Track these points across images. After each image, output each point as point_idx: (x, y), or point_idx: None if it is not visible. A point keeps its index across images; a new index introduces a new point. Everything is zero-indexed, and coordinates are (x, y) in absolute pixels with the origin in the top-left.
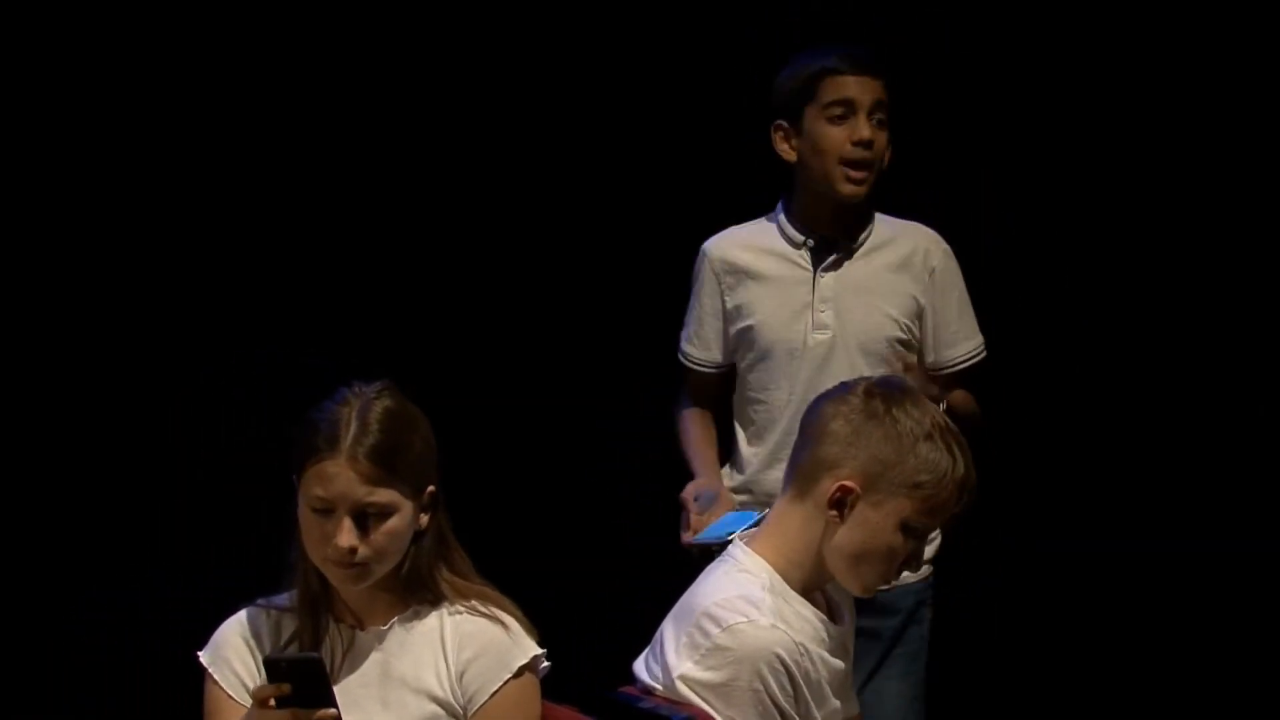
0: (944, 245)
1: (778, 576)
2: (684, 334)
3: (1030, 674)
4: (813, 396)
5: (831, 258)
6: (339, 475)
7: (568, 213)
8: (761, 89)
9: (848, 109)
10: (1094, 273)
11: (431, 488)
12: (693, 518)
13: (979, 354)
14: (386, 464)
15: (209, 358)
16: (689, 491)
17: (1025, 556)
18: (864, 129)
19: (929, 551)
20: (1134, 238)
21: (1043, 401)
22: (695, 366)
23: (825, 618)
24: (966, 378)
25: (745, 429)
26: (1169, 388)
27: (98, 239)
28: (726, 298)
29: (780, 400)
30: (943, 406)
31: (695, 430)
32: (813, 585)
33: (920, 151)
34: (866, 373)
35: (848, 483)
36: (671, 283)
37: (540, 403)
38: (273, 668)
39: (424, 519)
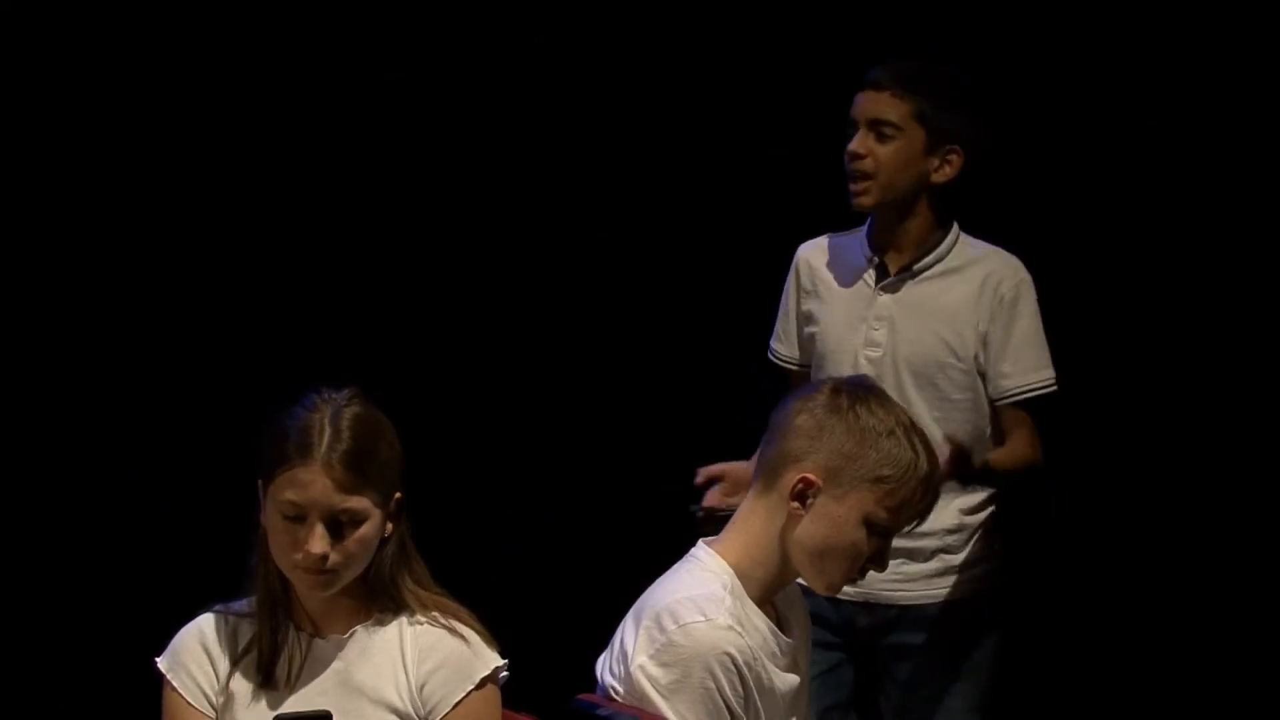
0: (1021, 275)
1: (737, 580)
2: (774, 331)
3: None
4: None
5: (892, 278)
6: (314, 482)
7: (552, 215)
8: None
9: (852, 124)
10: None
11: (398, 494)
12: (713, 495)
13: (1042, 388)
14: (360, 471)
15: (182, 361)
16: (715, 470)
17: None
18: (854, 142)
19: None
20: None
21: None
22: (779, 363)
23: (776, 630)
24: (1028, 411)
25: None
26: (1164, 389)
27: (82, 241)
28: (802, 300)
29: None
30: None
31: None
32: (774, 585)
33: None
34: (915, 394)
35: (810, 475)
36: (654, 286)
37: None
38: None
39: (389, 526)
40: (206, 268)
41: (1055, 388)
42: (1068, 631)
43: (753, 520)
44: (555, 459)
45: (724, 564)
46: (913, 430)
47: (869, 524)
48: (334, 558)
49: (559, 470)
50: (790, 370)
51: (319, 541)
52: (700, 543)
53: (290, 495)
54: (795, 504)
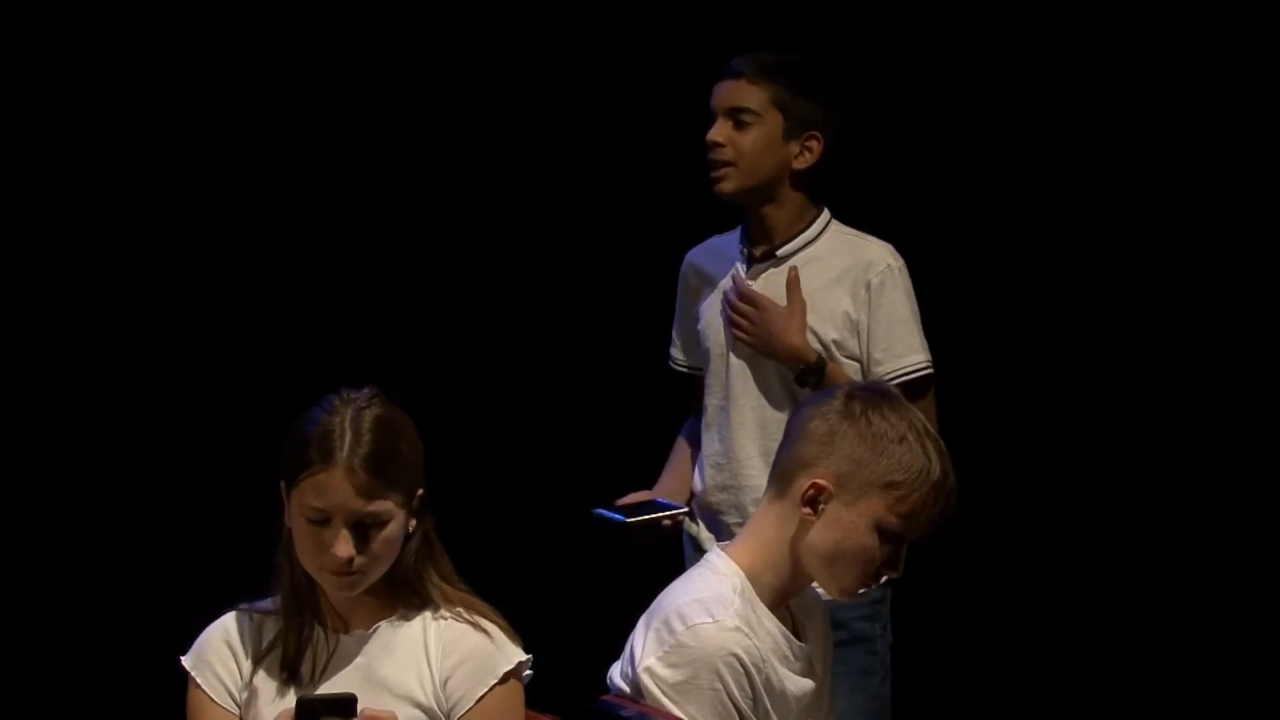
0: (890, 260)
1: (748, 583)
2: (671, 338)
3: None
4: (738, 403)
5: (755, 266)
6: (337, 488)
7: (552, 215)
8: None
9: (711, 114)
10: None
11: (420, 490)
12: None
13: (915, 371)
14: (383, 474)
15: (182, 360)
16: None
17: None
18: (713, 131)
19: None
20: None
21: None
22: (676, 368)
23: (789, 634)
24: (907, 395)
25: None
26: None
27: (83, 241)
28: (691, 304)
29: (714, 406)
30: None
31: (677, 444)
32: (787, 590)
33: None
34: (789, 381)
35: (821, 480)
36: (656, 286)
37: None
38: (306, 706)
39: (412, 522)
40: (206, 267)
41: (929, 371)
42: (1068, 631)
43: (765, 525)
44: (562, 459)
45: (735, 567)
46: (926, 436)
47: (880, 530)
48: (359, 560)
49: (572, 469)
50: (689, 374)
51: (344, 545)
52: (714, 547)
53: (314, 500)
54: (807, 509)
